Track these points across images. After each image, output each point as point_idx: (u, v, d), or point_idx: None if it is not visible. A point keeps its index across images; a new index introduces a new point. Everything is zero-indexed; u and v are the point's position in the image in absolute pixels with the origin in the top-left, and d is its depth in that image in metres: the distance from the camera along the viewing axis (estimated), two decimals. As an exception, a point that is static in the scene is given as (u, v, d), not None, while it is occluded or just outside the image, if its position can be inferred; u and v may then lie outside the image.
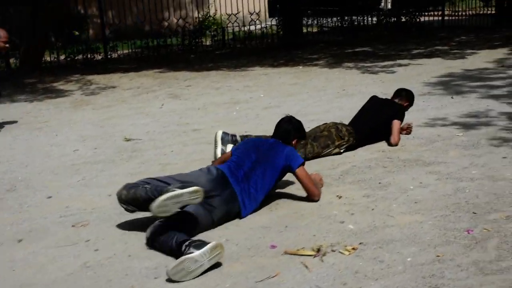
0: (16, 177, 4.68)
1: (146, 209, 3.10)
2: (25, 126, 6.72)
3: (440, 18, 16.53)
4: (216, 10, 15.99)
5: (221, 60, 11.92)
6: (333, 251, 3.00)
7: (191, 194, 3.12)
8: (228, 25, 13.95)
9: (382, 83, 8.11)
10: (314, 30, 15.67)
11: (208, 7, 16.51)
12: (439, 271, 2.73)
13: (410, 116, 5.41)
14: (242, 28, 13.96)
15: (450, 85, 7.68)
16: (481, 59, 9.92)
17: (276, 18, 14.63)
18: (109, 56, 12.73)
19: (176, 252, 2.93)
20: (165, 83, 9.37)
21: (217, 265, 2.88)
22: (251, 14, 13.80)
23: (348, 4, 15.64)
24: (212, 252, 2.84)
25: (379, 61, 10.41)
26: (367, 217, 3.44)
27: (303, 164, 3.71)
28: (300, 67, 10.45)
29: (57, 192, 4.25)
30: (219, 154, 4.46)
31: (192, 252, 2.82)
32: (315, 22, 16.31)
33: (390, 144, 4.94)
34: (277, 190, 3.92)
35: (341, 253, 2.98)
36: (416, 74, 8.76)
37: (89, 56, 12.48)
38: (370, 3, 16.90)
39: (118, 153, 5.25)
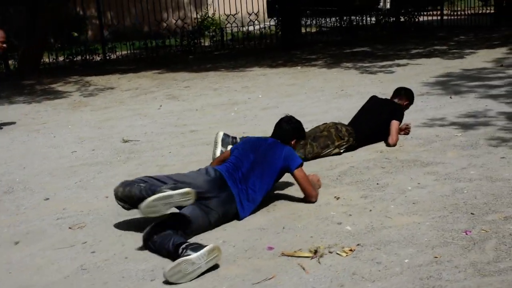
0: (14, 179, 4.67)
1: None
2: (23, 127, 6.71)
3: (439, 17, 16.53)
4: (214, 11, 15.99)
5: (219, 60, 11.92)
6: (330, 252, 2.99)
7: (182, 196, 3.11)
8: (227, 26, 13.95)
9: (380, 83, 8.10)
10: (313, 30, 15.67)
11: (207, 7, 16.51)
12: (436, 273, 2.72)
13: (408, 116, 5.40)
14: (241, 29, 13.96)
15: (448, 85, 7.67)
16: (480, 59, 9.92)
17: (275, 18, 14.63)
18: (107, 57, 12.73)
19: (173, 255, 2.93)
20: (163, 84, 9.36)
21: (214, 267, 2.87)
22: (250, 14, 13.81)
23: (347, 4, 15.64)
24: (210, 255, 2.83)
25: (378, 61, 10.41)
26: (365, 218, 3.43)
27: (301, 165, 3.71)
28: (299, 67, 10.44)
29: (54, 194, 4.24)
30: (218, 155, 4.45)
31: (190, 255, 2.81)
32: (314, 22, 16.32)
33: (388, 145, 4.93)
34: (275, 191, 3.91)
35: (339, 254, 2.97)
36: (415, 74, 8.75)
37: (87, 57, 12.49)
38: (369, 3, 16.91)
39: (115, 155, 5.24)
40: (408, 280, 2.67)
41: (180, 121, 6.56)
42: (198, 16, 15.22)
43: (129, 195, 3.26)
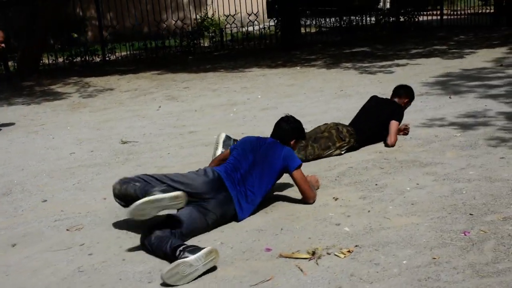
0: (12, 181, 4.67)
1: None
2: (22, 129, 6.70)
3: (439, 17, 16.52)
4: (214, 11, 15.98)
5: (219, 61, 11.91)
6: (328, 254, 2.98)
7: (171, 200, 3.09)
8: (227, 26, 13.94)
9: (380, 84, 8.09)
10: (312, 31, 15.66)
11: (206, 8, 16.50)
12: (435, 274, 2.71)
13: (407, 116, 5.39)
14: (241, 29, 13.95)
15: (448, 85, 7.66)
16: (480, 59, 9.91)
17: (275, 19, 14.62)
18: (107, 58, 12.73)
19: (170, 257, 2.92)
20: (162, 85, 9.35)
21: (211, 269, 2.86)
22: (250, 15, 13.80)
23: (346, 4, 15.63)
24: (207, 257, 2.82)
25: (377, 61, 10.40)
26: (363, 219, 3.42)
27: (300, 166, 3.69)
28: (298, 68, 10.43)
29: (52, 196, 4.24)
30: (218, 156, 4.44)
31: (187, 257, 2.80)
32: (314, 22, 16.31)
33: (386, 145, 4.92)
34: (273, 193, 3.89)
35: (337, 256, 2.96)
36: (414, 74, 8.74)
37: (87, 58, 12.48)
38: (369, 3, 16.91)
39: (114, 156, 5.23)
40: (406, 281, 2.66)
41: (179, 122, 6.55)
42: (198, 17, 15.22)
43: (125, 193, 3.26)
